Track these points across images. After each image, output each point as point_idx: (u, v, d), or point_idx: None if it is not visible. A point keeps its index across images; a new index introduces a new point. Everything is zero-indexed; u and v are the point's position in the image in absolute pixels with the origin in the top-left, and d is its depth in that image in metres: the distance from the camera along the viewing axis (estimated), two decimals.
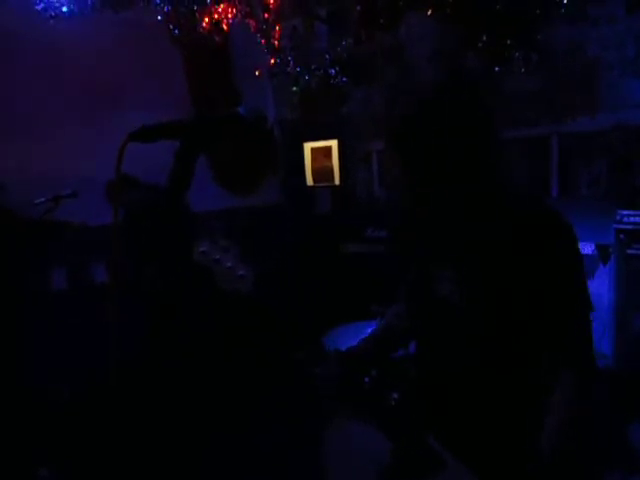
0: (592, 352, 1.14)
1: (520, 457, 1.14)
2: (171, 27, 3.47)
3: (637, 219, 2.93)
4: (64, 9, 3.26)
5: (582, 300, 1.12)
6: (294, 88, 3.94)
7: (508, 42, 2.95)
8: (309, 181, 4.94)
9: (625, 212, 2.97)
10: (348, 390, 1.29)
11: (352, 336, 1.58)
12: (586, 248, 3.31)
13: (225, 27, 3.49)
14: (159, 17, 3.46)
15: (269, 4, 3.51)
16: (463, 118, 1.06)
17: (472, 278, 1.16)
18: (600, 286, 3.15)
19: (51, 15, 3.31)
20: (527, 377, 1.16)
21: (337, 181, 4.79)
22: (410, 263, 1.34)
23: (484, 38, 2.95)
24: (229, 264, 1.10)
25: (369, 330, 1.77)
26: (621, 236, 2.96)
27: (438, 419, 1.25)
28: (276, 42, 3.65)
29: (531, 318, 1.11)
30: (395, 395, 1.28)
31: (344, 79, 3.83)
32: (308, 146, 4.87)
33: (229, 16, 3.42)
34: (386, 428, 1.21)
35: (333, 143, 4.75)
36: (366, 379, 1.31)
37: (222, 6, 3.36)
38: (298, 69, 3.73)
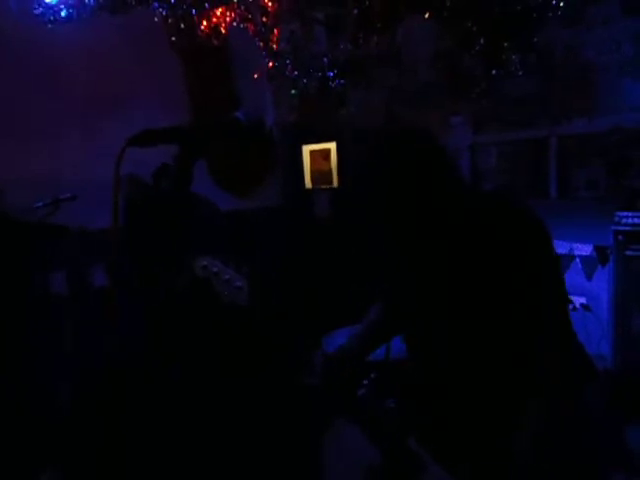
0: (572, 346, 1.14)
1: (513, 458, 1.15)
2: (169, 31, 3.48)
3: (635, 220, 2.94)
4: (63, 13, 3.27)
5: (558, 294, 1.14)
6: (293, 91, 3.95)
7: (505, 45, 2.96)
8: (308, 184, 4.94)
9: (623, 214, 2.98)
10: (341, 397, 1.30)
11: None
12: (585, 250, 3.32)
13: (223, 31, 3.50)
14: (156, 20, 3.46)
15: (267, 8, 3.51)
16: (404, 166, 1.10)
17: (453, 284, 1.17)
18: (599, 288, 3.16)
19: (50, 19, 3.32)
20: (519, 379, 1.17)
21: (336, 184, 4.80)
22: (393, 270, 1.35)
23: (481, 41, 2.95)
24: (227, 276, 1.16)
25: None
26: (619, 237, 2.97)
27: (431, 422, 1.26)
28: (274, 45, 3.66)
29: (514, 316, 1.12)
30: (392, 401, 1.29)
31: (342, 82, 3.84)
32: (307, 149, 4.88)
33: (227, 20, 3.43)
34: (375, 433, 1.22)
35: (332, 145, 4.75)
36: (365, 381, 1.31)
37: (220, 10, 3.37)
38: (296, 72, 3.74)
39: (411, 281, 1.28)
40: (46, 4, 3.28)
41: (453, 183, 1.16)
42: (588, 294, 3.28)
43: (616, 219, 2.99)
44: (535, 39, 3.00)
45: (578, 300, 3.31)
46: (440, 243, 1.19)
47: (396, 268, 1.32)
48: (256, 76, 3.97)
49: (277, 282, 3.75)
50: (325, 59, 3.77)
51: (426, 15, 3.04)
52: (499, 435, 1.17)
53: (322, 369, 1.34)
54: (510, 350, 1.15)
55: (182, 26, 3.45)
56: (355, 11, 3.33)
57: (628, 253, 2.94)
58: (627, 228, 2.95)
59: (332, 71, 3.76)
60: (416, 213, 1.13)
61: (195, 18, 3.40)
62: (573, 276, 3.28)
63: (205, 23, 3.41)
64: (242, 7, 3.44)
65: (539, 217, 1.14)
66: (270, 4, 3.49)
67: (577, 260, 3.31)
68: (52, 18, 3.31)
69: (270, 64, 3.75)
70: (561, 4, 2.74)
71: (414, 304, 1.28)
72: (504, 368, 1.17)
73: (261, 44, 3.62)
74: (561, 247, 3.34)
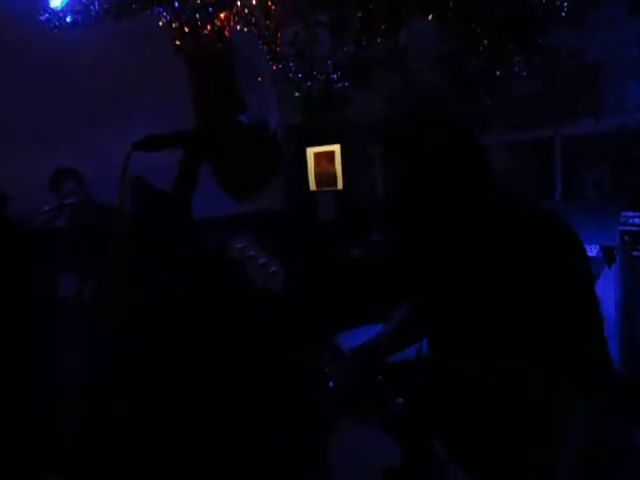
0: (607, 369, 1.10)
1: (527, 464, 1.14)
2: (173, 35, 3.50)
3: None
4: (68, 19, 3.29)
5: (593, 314, 1.09)
6: (297, 94, 3.96)
7: (509, 46, 2.96)
8: (312, 186, 4.95)
9: (630, 214, 2.96)
10: (358, 391, 1.29)
11: (356, 341, 1.58)
12: (591, 250, 3.30)
13: (227, 34, 3.51)
14: (161, 25, 3.48)
15: (271, 11, 3.52)
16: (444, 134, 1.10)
17: (479, 289, 1.14)
18: (605, 289, 3.14)
19: (55, 25, 3.34)
20: (538, 386, 1.14)
21: (340, 186, 4.80)
22: (417, 272, 1.34)
23: (485, 42, 2.95)
24: (263, 260, 1.13)
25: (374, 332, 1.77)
26: (626, 238, 2.95)
27: (447, 423, 1.25)
28: (278, 48, 3.67)
29: (542, 330, 1.09)
30: (400, 400, 1.28)
31: (346, 84, 3.84)
32: (311, 151, 4.88)
33: (231, 23, 3.45)
34: (393, 431, 1.22)
35: (336, 148, 4.76)
36: (375, 380, 1.31)
37: (224, 14, 3.38)
38: (300, 75, 3.75)
39: (433, 283, 1.26)
40: (51, 10, 3.31)
41: (483, 181, 1.13)
42: None
43: (622, 219, 2.97)
44: (540, 40, 2.99)
45: None
46: (464, 245, 1.16)
47: (421, 270, 1.30)
48: (260, 79, 3.99)
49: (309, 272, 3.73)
50: (329, 61, 3.78)
51: (430, 17, 3.04)
52: (512, 440, 1.15)
53: (344, 363, 1.32)
54: (534, 359, 1.12)
55: (186, 30, 3.46)
56: (359, 13, 3.33)
57: (635, 254, 2.92)
58: (634, 228, 2.93)
59: (336, 73, 3.77)
60: (442, 207, 1.11)
61: (199, 22, 3.41)
62: None
63: (209, 27, 3.42)
64: (245, 11, 3.45)
65: (577, 234, 1.10)
66: (273, 7, 3.50)
67: None
68: (57, 24, 3.33)
69: (274, 67, 3.76)
70: (565, 5, 2.73)
71: (435, 307, 1.26)
72: (525, 376, 1.14)
73: (265, 47, 3.63)
74: None
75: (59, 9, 3.31)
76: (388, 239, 3.87)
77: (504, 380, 1.14)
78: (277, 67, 3.75)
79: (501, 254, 1.10)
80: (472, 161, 1.11)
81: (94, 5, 3.28)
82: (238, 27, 3.50)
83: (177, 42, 3.57)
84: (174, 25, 3.45)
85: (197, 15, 3.38)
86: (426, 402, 1.30)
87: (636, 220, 2.93)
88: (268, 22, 3.50)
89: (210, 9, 3.35)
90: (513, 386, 1.14)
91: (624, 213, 2.97)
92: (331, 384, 1.32)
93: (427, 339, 1.37)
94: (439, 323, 1.27)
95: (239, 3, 3.42)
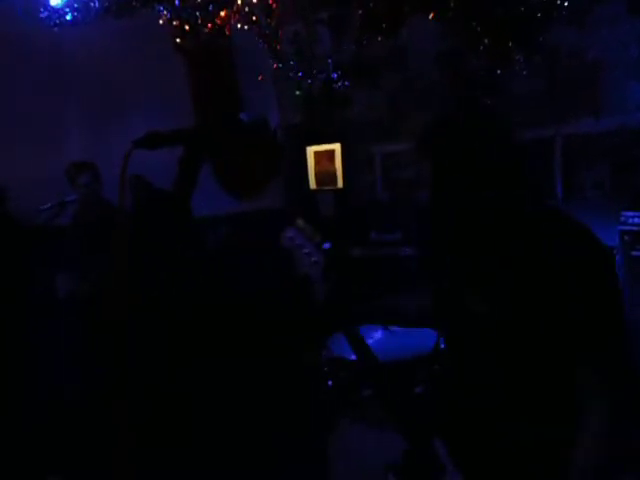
0: (629, 376, 1.10)
1: (533, 468, 1.13)
2: (174, 33, 3.49)
3: None
4: (68, 17, 3.29)
5: (618, 323, 1.10)
6: (297, 92, 3.96)
7: (510, 45, 2.95)
8: (312, 185, 4.94)
9: (629, 214, 2.96)
10: (359, 389, 1.28)
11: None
12: None
13: (227, 32, 3.51)
14: (161, 23, 3.48)
15: (271, 9, 3.52)
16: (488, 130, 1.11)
17: (502, 295, 1.14)
18: None
19: (55, 23, 3.34)
20: (555, 392, 1.13)
21: (340, 184, 4.80)
22: (439, 276, 1.33)
23: (486, 41, 2.95)
24: (307, 250, 1.19)
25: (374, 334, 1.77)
26: (626, 237, 2.95)
27: (454, 421, 1.24)
28: (278, 47, 3.67)
29: (563, 337, 1.08)
30: (400, 402, 1.27)
31: (347, 83, 3.84)
32: (311, 150, 4.88)
33: (231, 21, 3.44)
34: (396, 429, 1.21)
35: (336, 146, 4.75)
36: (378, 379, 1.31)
37: (224, 12, 3.38)
38: (301, 74, 3.75)
39: (456, 280, 1.25)
40: (52, 8, 3.31)
41: (519, 181, 1.14)
42: None
43: (622, 219, 2.97)
44: (540, 39, 2.99)
45: None
46: (486, 243, 1.15)
47: (446, 267, 1.30)
48: (260, 78, 3.98)
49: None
50: (329, 60, 3.78)
51: (430, 15, 3.04)
52: (520, 443, 1.14)
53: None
54: (550, 360, 1.11)
55: (187, 28, 3.46)
56: (359, 12, 3.33)
57: (634, 253, 2.92)
58: (633, 228, 2.93)
59: (336, 72, 3.77)
60: (476, 207, 1.11)
61: (199, 20, 3.41)
62: None
63: (209, 25, 3.42)
64: (246, 9, 3.45)
65: (606, 246, 1.10)
66: (274, 5, 3.50)
67: None
68: (57, 22, 3.33)
69: (274, 65, 3.76)
70: (566, 4, 2.73)
71: (456, 305, 1.25)
72: (540, 378, 1.13)
73: (265, 45, 3.63)
74: None
75: (59, 7, 3.31)
76: (409, 238, 3.85)
77: (518, 381, 1.14)
78: (277, 66, 3.75)
79: (520, 254, 1.10)
80: (510, 160, 1.12)
81: (94, 3, 3.28)
82: (239, 25, 3.50)
83: (177, 40, 3.57)
84: (174, 23, 3.45)
85: (198, 13, 3.38)
86: (433, 399, 1.30)
87: (636, 220, 2.93)
88: (269, 20, 3.50)
89: (210, 7, 3.35)
90: (527, 387, 1.13)
91: (624, 213, 2.97)
92: (330, 383, 1.33)
93: (444, 336, 1.36)
94: (458, 321, 1.25)
95: (240, 1, 3.42)
